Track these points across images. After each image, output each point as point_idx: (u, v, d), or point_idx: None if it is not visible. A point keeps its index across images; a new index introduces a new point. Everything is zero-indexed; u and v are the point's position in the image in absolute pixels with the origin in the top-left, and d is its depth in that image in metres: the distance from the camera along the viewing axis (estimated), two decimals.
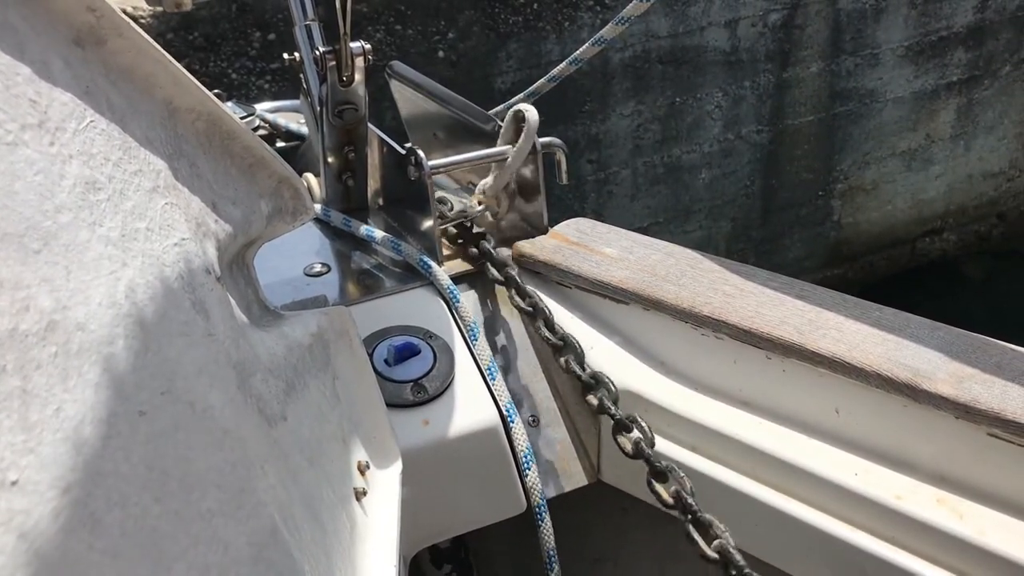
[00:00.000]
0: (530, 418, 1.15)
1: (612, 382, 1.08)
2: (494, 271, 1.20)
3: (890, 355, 0.96)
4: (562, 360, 1.11)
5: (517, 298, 1.16)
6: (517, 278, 1.17)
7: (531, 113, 1.22)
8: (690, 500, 0.96)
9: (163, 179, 0.62)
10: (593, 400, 1.08)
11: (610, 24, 1.58)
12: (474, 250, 1.24)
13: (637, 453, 1.02)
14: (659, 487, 1.00)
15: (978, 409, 0.88)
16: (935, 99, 4.77)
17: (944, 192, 5.07)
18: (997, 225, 5.33)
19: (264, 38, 3.30)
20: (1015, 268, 5.15)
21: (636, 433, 1.03)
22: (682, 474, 0.99)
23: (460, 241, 1.29)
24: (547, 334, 1.12)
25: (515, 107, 1.24)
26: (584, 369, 1.10)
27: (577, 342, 1.12)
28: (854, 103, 4.58)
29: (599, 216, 4.20)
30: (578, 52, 1.67)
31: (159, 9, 2.91)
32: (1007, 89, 4.92)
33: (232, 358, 0.64)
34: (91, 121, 0.54)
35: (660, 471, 1.00)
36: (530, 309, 1.15)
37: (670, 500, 0.98)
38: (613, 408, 1.05)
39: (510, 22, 3.65)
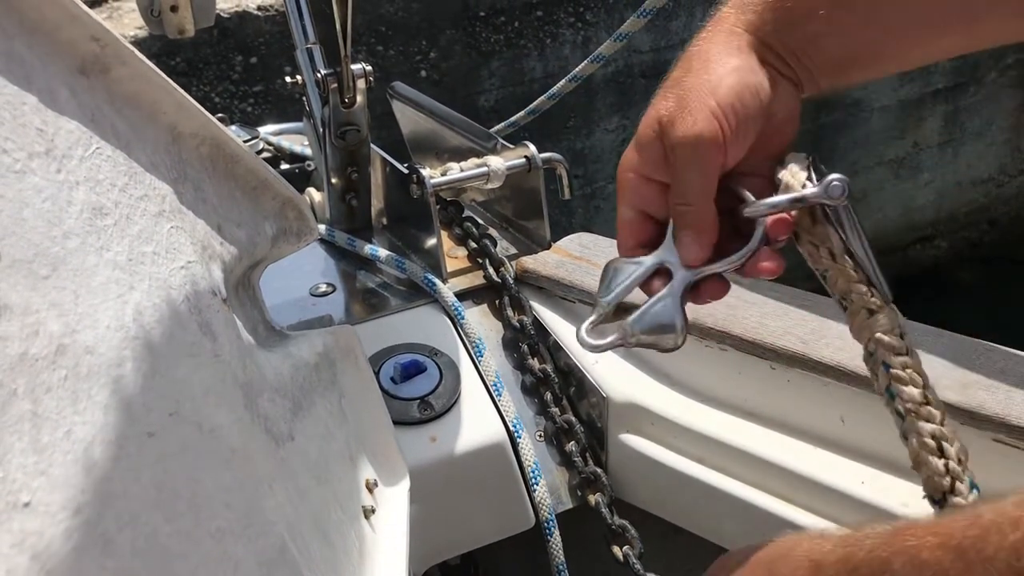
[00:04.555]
0: (537, 433, 1.16)
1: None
2: (509, 310, 1.22)
3: None
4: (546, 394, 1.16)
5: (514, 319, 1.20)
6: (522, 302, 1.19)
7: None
8: (636, 564, 1.08)
9: (168, 203, 0.63)
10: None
11: (608, 41, 1.60)
12: (492, 273, 1.26)
13: (596, 511, 1.11)
14: (614, 547, 1.10)
15: (983, 415, 0.88)
16: (921, 107, 4.76)
17: (934, 199, 5.06)
18: (988, 231, 5.31)
19: (246, 62, 3.31)
20: (1007, 274, 5.13)
21: (598, 495, 1.12)
22: (635, 534, 1.09)
23: (479, 260, 1.29)
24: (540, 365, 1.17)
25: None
26: (563, 412, 1.16)
27: (555, 378, 1.17)
28: (840, 113, 4.57)
29: (587, 231, 4.20)
30: (577, 69, 1.69)
31: (144, 35, 2.93)
32: (994, 95, 4.91)
33: (239, 378, 0.65)
34: (97, 148, 0.55)
35: (615, 531, 1.10)
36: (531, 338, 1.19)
37: (621, 559, 1.10)
38: (580, 462, 1.13)
39: (491, 40, 3.66)
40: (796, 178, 0.67)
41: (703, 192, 0.65)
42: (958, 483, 0.63)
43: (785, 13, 0.65)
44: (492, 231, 1.34)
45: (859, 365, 0.96)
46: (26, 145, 0.48)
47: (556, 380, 1.16)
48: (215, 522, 0.54)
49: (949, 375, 0.93)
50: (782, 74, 0.66)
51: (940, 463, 0.64)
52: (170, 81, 0.65)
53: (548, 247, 1.31)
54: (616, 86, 3.97)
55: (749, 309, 1.08)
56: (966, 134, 4.95)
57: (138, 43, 3.06)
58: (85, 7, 0.54)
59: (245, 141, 1.83)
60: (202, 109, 0.69)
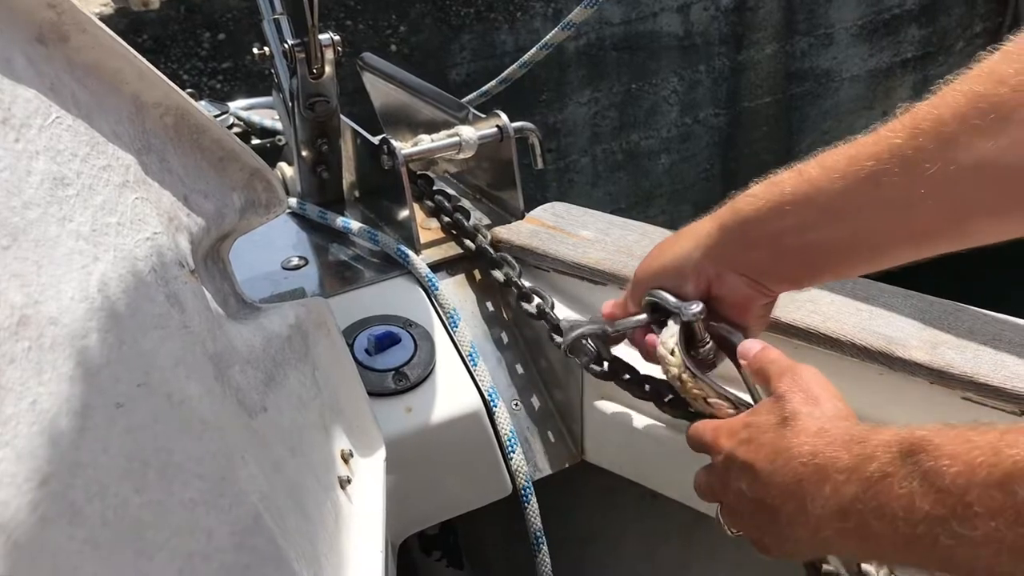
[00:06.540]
0: (513, 402, 1.16)
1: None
2: (497, 273, 1.20)
3: (864, 324, 0.97)
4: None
5: (515, 290, 1.16)
6: (518, 281, 1.16)
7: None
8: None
9: (132, 174, 0.62)
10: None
11: (579, 8, 1.59)
12: (469, 243, 1.24)
13: (540, 315, 1.11)
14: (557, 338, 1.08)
15: (952, 374, 0.89)
16: (891, 76, 4.79)
17: None
18: None
19: (214, 38, 3.27)
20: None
21: (537, 300, 1.12)
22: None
23: (454, 232, 1.28)
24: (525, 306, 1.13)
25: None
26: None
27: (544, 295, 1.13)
28: (810, 83, 4.59)
29: None
30: (548, 37, 1.67)
31: (109, 12, 2.88)
32: (962, 64, 4.91)
33: (209, 350, 0.64)
34: (57, 117, 0.54)
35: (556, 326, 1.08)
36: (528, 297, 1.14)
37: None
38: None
39: (462, 14, 3.64)
40: (666, 341, 0.91)
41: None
42: None
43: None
44: (465, 202, 1.34)
45: (831, 327, 0.97)
46: None
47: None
48: (187, 492, 0.53)
49: (918, 336, 0.94)
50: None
51: None
52: (132, 50, 0.64)
53: (522, 217, 1.30)
54: (588, 59, 3.95)
55: None
56: None
57: (104, 20, 3.01)
58: None
59: (215, 116, 1.81)
60: (165, 79, 0.68)
